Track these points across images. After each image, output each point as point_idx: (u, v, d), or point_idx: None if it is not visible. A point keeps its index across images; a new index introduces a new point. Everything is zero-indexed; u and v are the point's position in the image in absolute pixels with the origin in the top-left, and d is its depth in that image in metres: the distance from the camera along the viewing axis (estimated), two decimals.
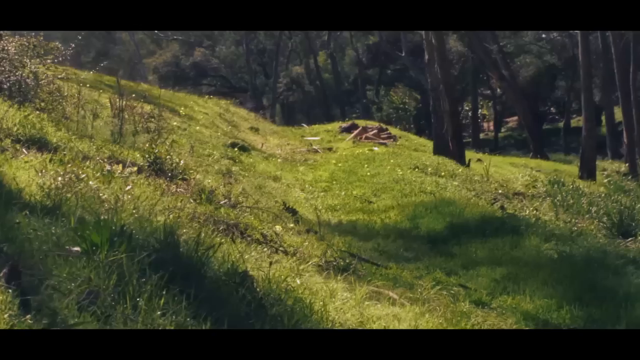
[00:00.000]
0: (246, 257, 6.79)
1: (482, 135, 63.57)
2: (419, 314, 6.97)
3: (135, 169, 9.85)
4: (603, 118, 39.46)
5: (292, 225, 10.36)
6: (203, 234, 6.06)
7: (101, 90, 21.28)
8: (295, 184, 15.74)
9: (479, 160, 27.05)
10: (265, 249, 8.18)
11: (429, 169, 17.30)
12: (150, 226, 6.02)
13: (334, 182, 15.70)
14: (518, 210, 14.01)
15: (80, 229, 5.44)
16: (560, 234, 10.58)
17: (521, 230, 10.59)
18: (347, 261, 8.96)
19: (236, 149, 17.63)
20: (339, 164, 18.05)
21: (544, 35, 46.88)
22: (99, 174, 8.35)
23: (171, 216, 6.71)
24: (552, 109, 60.37)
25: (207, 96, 32.39)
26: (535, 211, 14.48)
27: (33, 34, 13.56)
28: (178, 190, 9.69)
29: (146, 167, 10.42)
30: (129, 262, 5.09)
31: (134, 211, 6.54)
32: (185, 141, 15.56)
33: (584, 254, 9.46)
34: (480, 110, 71.41)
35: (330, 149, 22.70)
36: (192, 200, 9.38)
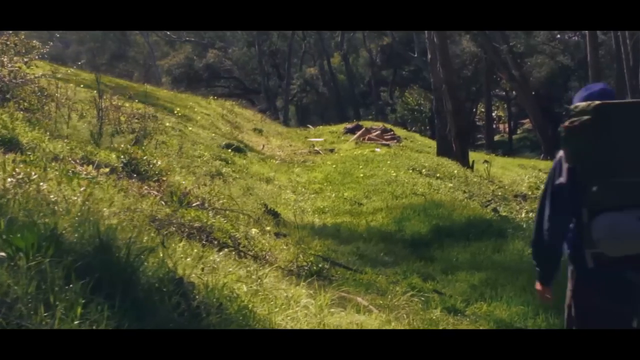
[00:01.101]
0: (203, 261, 6.45)
1: (497, 137, 63.03)
2: (385, 321, 6.61)
3: (107, 170, 9.55)
4: None
5: (269, 228, 10.03)
6: (146, 237, 5.72)
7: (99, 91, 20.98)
8: (288, 185, 15.42)
9: (485, 161, 26.63)
10: (232, 254, 7.85)
11: (426, 171, 16.90)
12: (90, 229, 5.68)
13: (328, 184, 15.38)
14: (514, 212, 13.58)
15: (6, 232, 5.11)
16: None
17: (507, 233, 10.21)
18: (320, 266, 8.61)
19: (230, 150, 17.32)
20: (336, 166, 17.69)
21: (558, 36, 46.33)
22: (62, 175, 8.05)
23: (116, 219, 6.36)
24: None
25: (212, 97, 32.09)
26: (531, 213, 14.06)
27: (11, 33, 13.26)
28: (149, 192, 9.36)
29: (120, 168, 10.11)
30: (53, 267, 4.74)
31: (79, 214, 6.20)
32: (175, 142, 15.25)
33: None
34: (496, 112, 70.96)
35: (332, 150, 22.37)
36: (162, 202, 9.07)
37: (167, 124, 17.12)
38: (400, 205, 12.32)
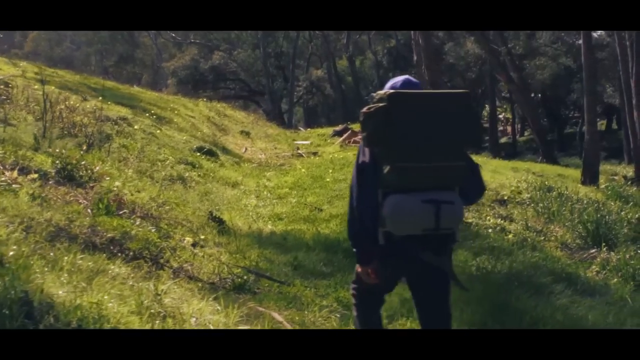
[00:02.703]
0: (93, 276, 6.03)
1: (504, 140, 62.41)
2: None
3: (36, 176, 9.14)
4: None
5: (203, 237, 9.58)
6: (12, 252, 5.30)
7: (80, 94, 20.60)
8: (254, 190, 14.97)
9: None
10: (145, 267, 7.40)
11: None
12: None
13: (296, 189, 14.90)
14: (478, 220, 13.05)
15: None
16: (500, 247, 9.63)
17: (458, 243, 9.67)
18: (246, 278, 8.17)
19: (200, 154, 16.89)
20: (309, 169, 17.23)
21: (564, 36, 45.67)
22: None
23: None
24: (576, 112, 59.00)
25: (202, 99, 31.72)
26: (502, 220, 13.56)
27: None
28: (76, 199, 8.93)
29: (53, 174, 9.68)
30: None
31: None
32: (139, 145, 14.84)
33: (508, 270, 8.53)
34: (503, 114, 70.35)
35: (315, 154, 21.92)
36: (89, 210, 8.65)
37: (136, 127, 16.68)
38: None
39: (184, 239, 9.27)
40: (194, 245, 9.17)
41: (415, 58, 23.37)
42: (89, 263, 6.47)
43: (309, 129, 33.35)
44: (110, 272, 6.74)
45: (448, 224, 4.68)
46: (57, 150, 10.22)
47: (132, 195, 10.48)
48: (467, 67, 50.36)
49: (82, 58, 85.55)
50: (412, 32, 23.32)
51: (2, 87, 16.66)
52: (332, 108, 65.23)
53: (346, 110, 57.45)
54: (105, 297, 5.50)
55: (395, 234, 4.67)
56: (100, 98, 16.63)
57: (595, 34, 42.95)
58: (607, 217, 14.09)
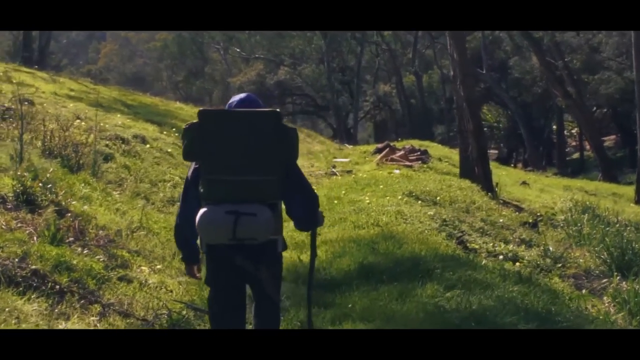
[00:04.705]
0: None
1: (576, 155, 60.51)
2: None
3: None
4: None
5: (160, 266, 8.99)
6: None
7: (110, 111, 20.36)
8: None
9: (524, 183, 25.07)
10: (67, 302, 6.87)
11: (425, 196, 15.55)
12: None
13: None
14: (492, 244, 12.20)
15: None
16: (482, 280, 8.75)
17: (434, 274, 8.87)
18: (185, 314, 7.56)
19: None
20: (331, 189, 16.52)
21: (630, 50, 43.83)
22: None
23: None
24: None
25: None
26: (518, 246, 12.67)
27: None
28: (22, 225, 8.42)
29: (11, 198, 9.21)
30: None
31: None
32: (144, 165, 14.42)
33: (474, 308, 7.68)
34: (576, 129, 68.39)
35: (349, 172, 21.21)
36: (34, 239, 8.15)
37: (152, 146, 16.28)
38: (352, 237, 11.09)
39: (141, 267, 8.73)
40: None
41: (452, 73, 22.55)
42: None
43: (353, 146, 32.59)
44: (16, 309, 6.25)
45: (247, 235, 4.94)
46: (24, 173, 9.68)
47: (103, 220, 9.99)
48: (533, 81, 49.01)
49: (153, 74, 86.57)
50: (448, 46, 22.39)
51: (25, 104, 16.46)
52: (400, 123, 64.36)
53: (413, 125, 56.67)
54: None
55: (205, 241, 5.15)
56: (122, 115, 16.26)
57: None
58: (634, 242, 13.03)
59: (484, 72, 47.05)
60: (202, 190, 5.07)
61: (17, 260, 7.22)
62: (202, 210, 4.99)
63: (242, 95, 5.51)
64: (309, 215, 5.38)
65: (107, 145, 14.71)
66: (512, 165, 50.13)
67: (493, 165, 31.51)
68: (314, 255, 5.65)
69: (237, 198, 4.98)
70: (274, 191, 5.09)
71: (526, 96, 51.56)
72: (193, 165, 5.31)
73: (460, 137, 21.66)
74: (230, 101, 5.41)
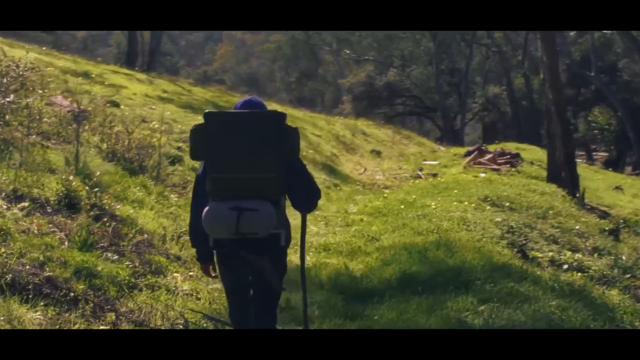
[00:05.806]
0: None
1: None
2: None
3: (27, 204, 8.75)
4: None
5: (192, 273, 8.84)
6: None
7: (199, 112, 20.48)
8: (330, 216, 14.08)
9: (617, 187, 24.04)
10: (78, 310, 6.76)
11: (502, 201, 15.00)
12: None
13: (374, 215, 13.88)
14: (560, 253, 11.63)
15: None
16: (523, 292, 8.24)
17: (473, 285, 8.45)
18: (205, 324, 7.38)
19: None
20: (409, 193, 16.15)
21: None
22: None
23: None
24: None
25: (338, 117, 31.13)
26: (588, 255, 12.04)
27: None
28: (53, 230, 8.41)
29: (54, 202, 9.23)
30: None
31: None
32: None
33: (500, 323, 7.23)
34: None
35: (435, 175, 20.79)
36: (65, 244, 8.13)
37: None
38: (406, 245, 10.70)
39: (173, 275, 8.61)
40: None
41: (542, 76, 21.81)
42: None
43: (447, 148, 32.04)
44: (16, 317, 6.18)
45: (249, 229, 5.13)
46: (70, 177, 9.67)
47: (150, 225, 9.95)
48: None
49: (267, 74, 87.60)
50: (539, 48, 21.70)
51: (108, 105, 16.73)
52: (509, 125, 63.13)
53: (521, 127, 55.47)
54: None
55: (211, 236, 5.36)
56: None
57: None
58: None
59: (592, 74, 45.64)
60: (207, 187, 5.29)
61: (33, 266, 7.15)
62: (207, 207, 5.22)
63: (247, 97, 5.73)
64: (308, 205, 5.65)
65: (178, 148, 14.73)
66: (618, 169, 48.24)
67: (592, 169, 30.41)
68: (304, 232, 5.78)
69: (240, 195, 5.19)
70: (275, 187, 5.28)
71: (636, 99, 49.70)
72: (203, 163, 5.53)
73: (548, 141, 20.96)
74: (236, 104, 5.62)
